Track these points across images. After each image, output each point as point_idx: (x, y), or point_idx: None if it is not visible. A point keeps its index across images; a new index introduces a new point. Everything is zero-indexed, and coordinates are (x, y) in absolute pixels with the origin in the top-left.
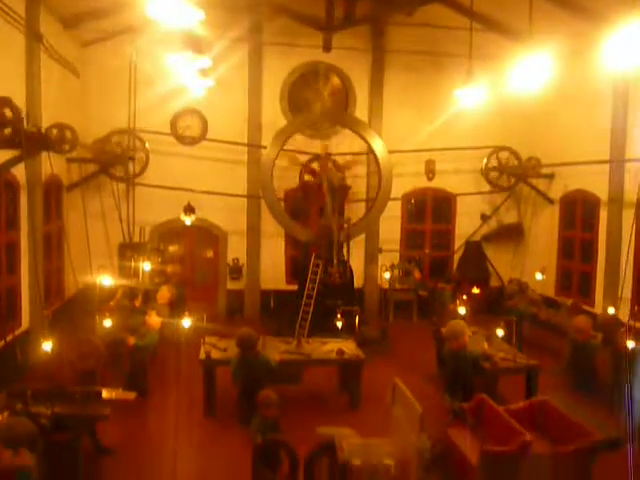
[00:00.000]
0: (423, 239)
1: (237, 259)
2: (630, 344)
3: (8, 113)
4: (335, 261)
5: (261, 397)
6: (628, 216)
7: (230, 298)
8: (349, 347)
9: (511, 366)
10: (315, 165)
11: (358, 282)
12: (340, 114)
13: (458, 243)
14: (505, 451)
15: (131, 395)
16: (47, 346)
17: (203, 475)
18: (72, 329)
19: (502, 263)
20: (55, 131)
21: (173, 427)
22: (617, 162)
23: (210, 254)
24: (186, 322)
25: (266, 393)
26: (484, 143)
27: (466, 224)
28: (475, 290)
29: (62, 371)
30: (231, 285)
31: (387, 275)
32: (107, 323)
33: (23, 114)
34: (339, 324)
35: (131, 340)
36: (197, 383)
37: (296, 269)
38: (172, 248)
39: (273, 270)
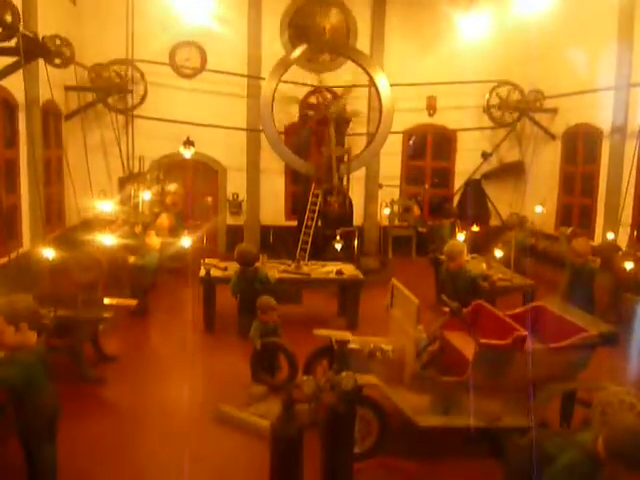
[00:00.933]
0: (423, 176)
1: (237, 194)
2: (628, 265)
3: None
4: (335, 191)
5: (260, 302)
6: (630, 147)
7: (230, 233)
8: (348, 269)
9: (508, 285)
10: (314, 99)
11: (358, 220)
12: (341, 45)
13: (458, 181)
14: (500, 345)
15: (132, 302)
16: (49, 253)
17: (202, 380)
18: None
19: (502, 202)
20: (51, 42)
21: (174, 340)
22: (621, 88)
23: (209, 189)
24: (186, 241)
25: (265, 298)
26: (486, 77)
27: (467, 162)
28: (474, 228)
29: (64, 283)
30: (231, 220)
31: (387, 211)
32: (107, 241)
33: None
34: (338, 246)
35: (131, 259)
36: (197, 303)
37: (296, 205)
38: (171, 182)
39: (273, 206)
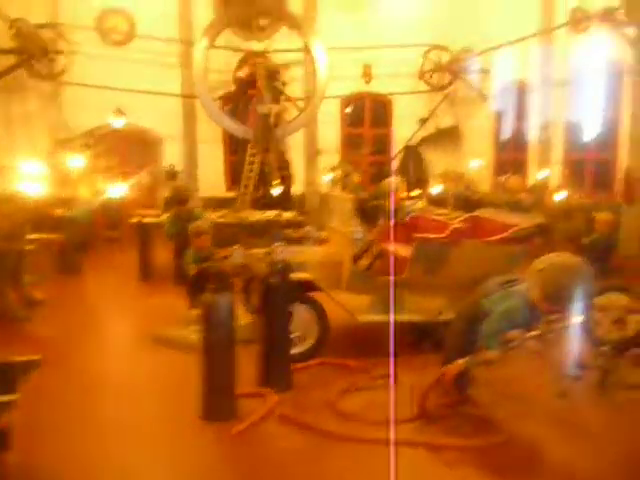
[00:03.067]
0: (362, 144)
1: (173, 165)
2: (558, 197)
3: None
4: (272, 149)
5: (193, 227)
6: (558, 95)
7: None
8: (287, 214)
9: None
10: (247, 68)
11: (298, 188)
12: (275, 8)
13: (397, 147)
14: (438, 238)
15: (58, 236)
16: None
17: (137, 318)
18: None
19: (441, 166)
20: None
21: (108, 290)
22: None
23: (145, 161)
24: (119, 190)
25: (197, 223)
26: (418, 41)
27: (404, 128)
28: (414, 193)
29: None
30: (168, 193)
31: (328, 177)
32: (32, 190)
33: None
34: (276, 191)
35: (57, 211)
36: (132, 253)
37: (235, 175)
38: (105, 152)
39: (212, 177)
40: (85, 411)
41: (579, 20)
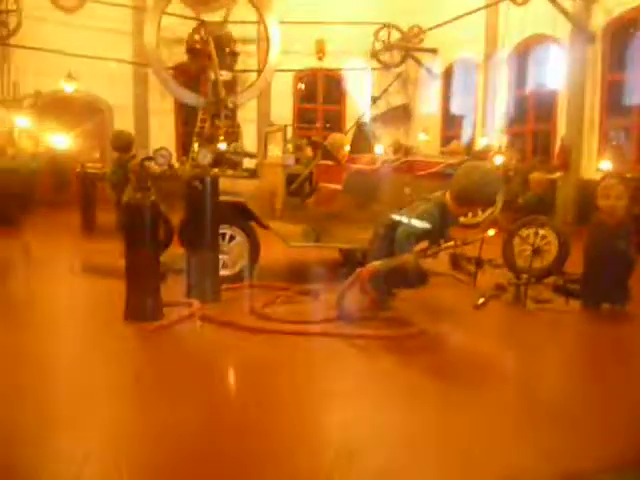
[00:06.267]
0: (315, 119)
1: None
2: (498, 159)
3: None
4: (222, 115)
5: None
6: (503, 69)
7: None
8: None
9: None
10: (200, 36)
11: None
12: None
13: (349, 124)
14: (368, 169)
15: None
16: None
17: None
18: None
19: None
20: None
21: (43, 239)
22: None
23: (95, 129)
24: (62, 142)
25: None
26: (371, 19)
27: (357, 105)
28: None
29: None
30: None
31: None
32: None
33: None
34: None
35: None
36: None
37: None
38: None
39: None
40: (18, 320)
41: None
